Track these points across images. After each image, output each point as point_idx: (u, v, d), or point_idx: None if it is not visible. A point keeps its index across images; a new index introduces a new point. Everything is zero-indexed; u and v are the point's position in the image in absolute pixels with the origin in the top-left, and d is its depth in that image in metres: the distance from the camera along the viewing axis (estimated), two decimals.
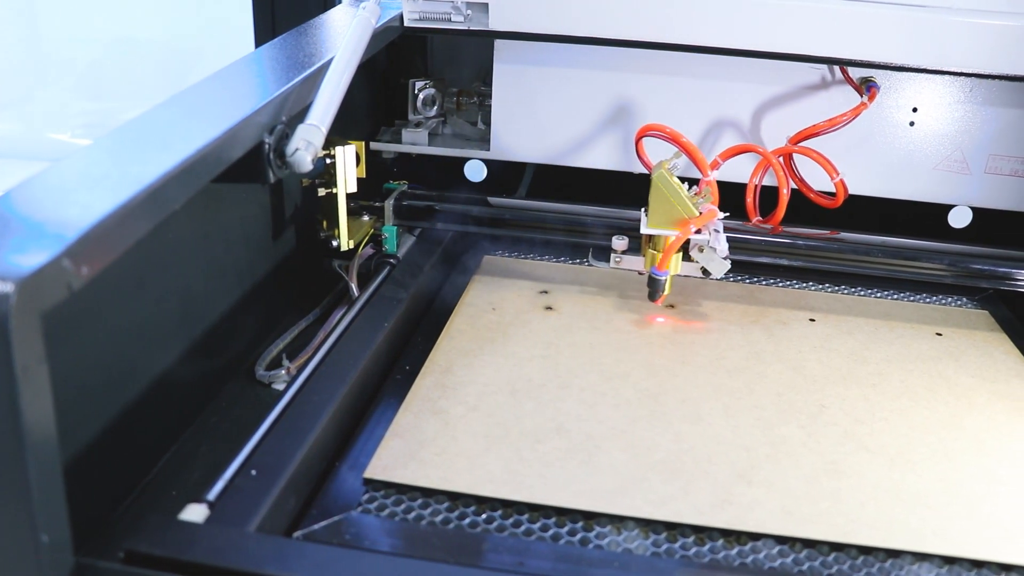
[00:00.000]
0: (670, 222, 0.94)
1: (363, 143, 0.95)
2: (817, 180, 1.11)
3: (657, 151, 1.01)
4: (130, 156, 0.64)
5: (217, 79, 0.84)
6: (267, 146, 0.76)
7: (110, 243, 0.55)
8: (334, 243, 0.95)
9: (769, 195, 1.09)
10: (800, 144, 1.09)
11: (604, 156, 1.17)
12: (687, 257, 0.96)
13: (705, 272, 0.96)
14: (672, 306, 1.01)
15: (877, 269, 1.05)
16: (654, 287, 0.96)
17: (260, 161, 0.76)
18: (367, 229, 1.02)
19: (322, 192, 0.93)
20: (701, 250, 0.95)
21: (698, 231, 0.94)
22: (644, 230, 0.95)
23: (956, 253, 1.04)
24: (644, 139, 1.02)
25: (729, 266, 0.95)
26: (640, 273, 0.99)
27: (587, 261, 1.07)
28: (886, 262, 1.03)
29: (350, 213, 0.96)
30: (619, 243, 0.99)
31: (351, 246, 0.96)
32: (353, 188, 0.92)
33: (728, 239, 0.97)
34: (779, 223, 1.05)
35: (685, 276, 0.99)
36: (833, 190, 1.09)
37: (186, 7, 2.42)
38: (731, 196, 1.04)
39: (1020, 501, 0.72)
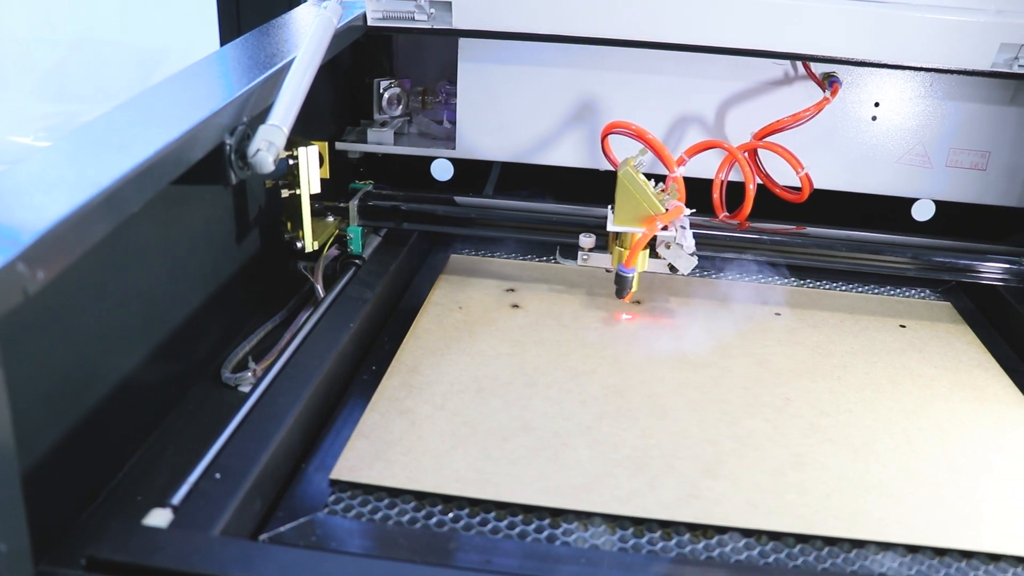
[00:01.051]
0: (636, 219, 0.94)
1: (326, 144, 0.95)
2: (782, 175, 1.11)
3: (623, 148, 1.01)
4: (87, 159, 0.63)
5: (178, 80, 0.83)
6: (228, 147, 0.76)
7: (66, 247, 0.54)
8: (298, 244, 0.94)
9: (735, 191, 1.10)
10: (764, 139, 1.09)
11: (570, 153, 1.17)
12: (654, 254, 0.97)
13: (672, 269, 0.96)
14: (639, 302, 1.02)
15: (841, 263, 1.05)
16: (621, 284, 0.96)
17: (221, 162, 0.76)
18: (332, 230, 1.02)
19: (285, 193, 0.92)
20: (668, 247, 0.95)
21: (665, 228, 0.94)
22: (611, 227, 0.95)
23: (919, 246, 1.04)
24: (610, 136, 1.02)
25: (696, 262, 0.96)
26: (607, 270, 0.99)
27: (554, 259, 1.07)
28: (850, 256, 1.04)
29: (314, 214, 0.95)
30: (586, 241, 0.99)
31: (316, 247, 0.96)
32: (317, 189, 0.91)
33: (694, 235, 0.97)
34: (746, 219, 1.06)
35: (652, 273, 0.99)
36: (798, 184, 1.09)
37: (150, 6, 2.40)
38: (697, 192, 1.05)
39: (981, 489, 0.73)
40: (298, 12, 1.18)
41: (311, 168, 0.90)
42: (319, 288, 0.96)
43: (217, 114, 0.74)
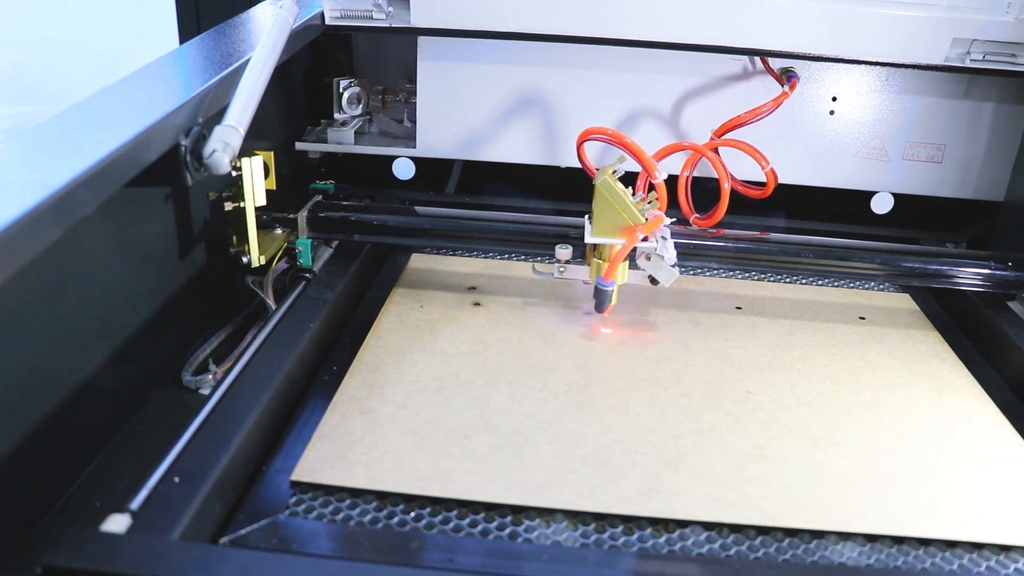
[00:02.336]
0: (615, 230, 0.91)
1: (271, 154, 0.92)
2: (742, 171, 1.12)
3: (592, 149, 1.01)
4: (38, 161, 0.63)
5: (132, 80, 0.82)
6: (184, 148, 0.75)
7: (16, 250, 0.53)
8: (244, 259, 0.90)
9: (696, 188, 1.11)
10: (724, 135, 1.10)
11: (530, 151, 1.18)
12: (634, 265, 0.93)
13: (653, 280, 0.93)
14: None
15: (808, 269, 1.03)
16: (601, 298, 0.94)
17: (177, 164, 0.75)
18: (280, 243, 0.97)
19: (229, 206, 0.88)
20: (648, 258, 0.92)
21: (645, 238, 0.91)
22: (589, 239, 0.92)
23: (885, 251, 1.02)
24: (586, 143, 0.97)
25: (678, 274, 0.93)
26: (585, 283, 0.96)
27: (515, 256, 1.07)
28: (817, 262, 1.01)
29: (262, 226, 0.92)
30: (563, 252, 0.95)
31: (262, 262, 0.92)
32: (262, 201, 0.88)
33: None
34: (718, 222, 1.06)
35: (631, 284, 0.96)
36: (762, 179, 1.10)
37: (110, 8, 2.37)
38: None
39: (938, 478, 0.74)
40: (256, 11, 1.18)
41: (255, 179, 0.86)
42: (270, 303, 0.93)
43: (172, 115, 0.73)
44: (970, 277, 1.00)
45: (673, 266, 0.92)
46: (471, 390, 0.82)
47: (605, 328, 0.95)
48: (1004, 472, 0.76)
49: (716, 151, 1.10)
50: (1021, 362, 0.91)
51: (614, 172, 0.90)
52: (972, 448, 0.79)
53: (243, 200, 0.87)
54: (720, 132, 1.09)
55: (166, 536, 0.59)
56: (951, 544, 0.67)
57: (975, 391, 0.88)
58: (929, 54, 1.06)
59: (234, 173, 0.85)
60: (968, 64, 1.06)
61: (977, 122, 1.15)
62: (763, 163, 1.06)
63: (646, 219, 0.90)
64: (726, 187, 1.04)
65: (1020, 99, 1.13)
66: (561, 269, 0.95)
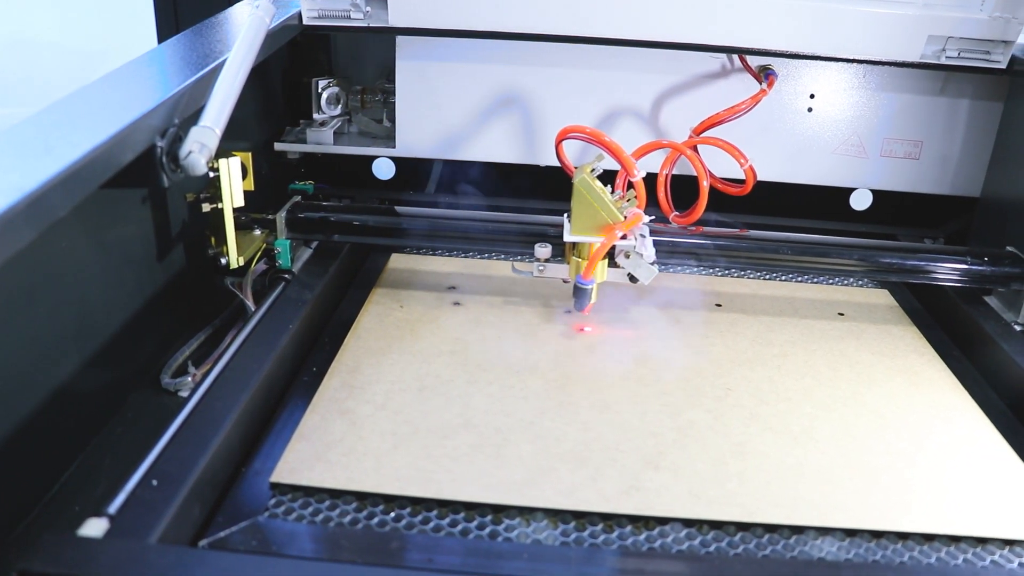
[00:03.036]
0: (594, 228, 0.91)
1: (249, 155, 0.91)
2: (720, 168, 1.12)
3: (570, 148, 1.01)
4: (10, 163, 0.62)
5: (108, 81, 0.82)
6: (160, 149, 0.75)
7: None
8: (223, 261, 0.90)
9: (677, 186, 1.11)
10: (703, 133, 1.10)
11: (510, 150, 1.18)
12: (613, 263, 0.93)
13: (632, 278, 0.93)
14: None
15: (787, 266, 1.03)
16: (580, 297, 0.93)
17: (153, 165, 0.75)
18: (259, 244, 0.96)
19: (207, 208, 0.87)
20: (627, 256, 0.92)
21: (624, 236, 0.91)
22: (568, 237, 0.92)
23: (864, 247, 1.03)
24: (564, 141, 0.97)
25: (657, 272, 0.92)
26: (565, 281, 0.96)
27: (495, 256, 1.06)
28: (795, 259, 1.02)
29: (240, 227, 0.91)
30: (542, 251, 0.95)
31: (241, 263, 0.91)
32: (240, 202, 0.87)
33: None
34: (697, 219, 1.05)
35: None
36: (741, 177, 1.10)
37: (88, 8, 2.35)
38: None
39: (916, 472, 0.75)
40: (235, 10, 1.17)
41: (233, 181, 0.86)
42: (249, 304, 0.93)
43: (147, 116, 0.73)
44: (947, 272, 1.01)
45: (652, 263, 0.92)
46: (451, 390, 0.82)
47: (586, 327, 0.95)
48: (980, 465, 0.76)
49: (695, 149, 1.10)
50: (997, 356, 0.92)
51: (592, 171, 0.90)
52: (949, 442, 0.79)
53: (221, 201, 0.86)
54: (699, 130, 1.10)
55: (144, 540, 0.59)
56: (929, 537, 0.68)
57: (952, 385, 0.89)
58: (905, 51, 1.06)
59: (211, 174, 0.84)
60: (943, 61, 1.07)
61: (953, 118, 1.16)
62: (742, 160, 1.07)
63: (625, 217, 0.90)
64: (705, 185, 1.04)
65: (995, 95, 1.14)
66: (541, 268, 0.95)
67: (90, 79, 0.82)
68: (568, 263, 0.95)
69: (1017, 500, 0.72)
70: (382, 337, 0.91)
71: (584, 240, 0.91)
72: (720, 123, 1.09)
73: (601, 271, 0.93)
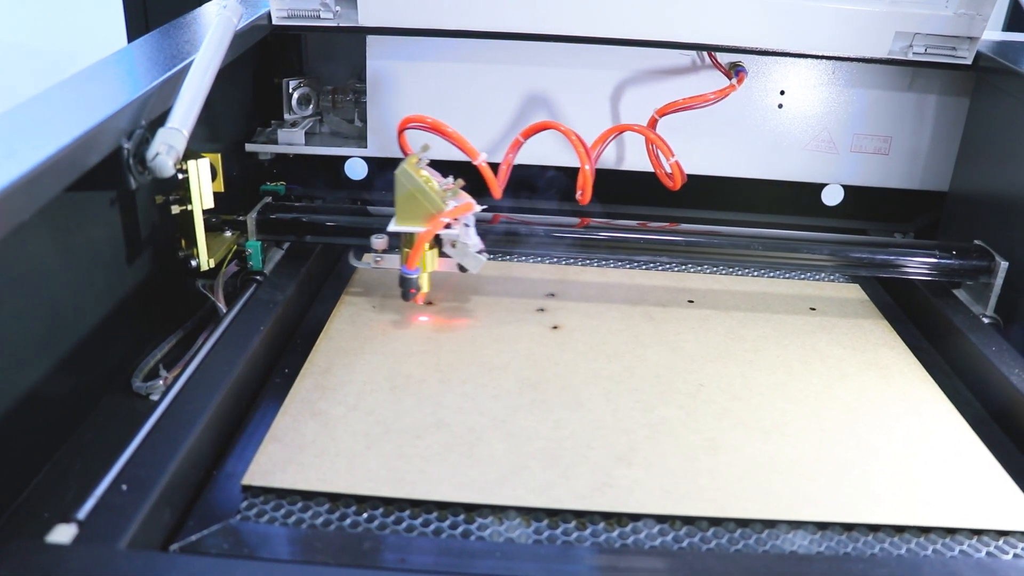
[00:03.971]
0: (420, 218, 0.90)
1: (219, 156, 0.90)
2: (688, 161, 1.12)
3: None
4: None
5: (72, 83, 0.81)
6: (126, 151, 0.74)
7: None
8: (193, 263, 0.89)
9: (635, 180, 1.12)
10: (658, 126, 1.09)
11: (481, 148, 1.17)
12: (445, 254, 0.93)
13: (462, 268, 0.93)
14: (553, 295, 1.02)
15: (759, 261, 1.05)
16: (405, 286, 0.92)
17: (119, 167, 0.74)
18: (229, 245, 0.96)
19: (176, 209, 0.87)
20: (454, 245, 0.91)
21: (448, 225, 0.90)
22: (391, 228, 0.91)
23: (834, 242, 1.03)
24: (407, 131, 0.98)
25: (485, 260, 0.92)
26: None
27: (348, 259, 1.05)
28: (766, 255, 1.02)
29: (210, 229, 0.91)
30: (378, 242, 0.94)
31: (212, 265, 0.91)
32: (210, 204, 0.87)
33: (610, 238, 0.97)
34: (588, 200, 1.02)
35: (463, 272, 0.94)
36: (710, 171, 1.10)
37: (57, 9, 2.33)
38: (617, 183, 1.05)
39: (887, 464, 0.75)
40: (204, 10, 1.16)
41: (203, 182, 0.85)
42: (220, 306, 0.92)
43: (113, 118, 0.72)
44: (917, 266, 1.01)
45: (479, 252, 0.92)
46: (423, 389, 0.82)
47: (556, 323, 0.96)
48: (948, 457, 0.77)
49: (647, 137, 1.09)
50: (966, 348, 0.93)
51: (418, 161, 0.90)
52: (919, 435, 0.80)
53: (190, 203, 0.85)
54: (662, 112, 1.09)
55: (113, 545, 0.58)
56: (899, 529, 0.68)
57: (922, 378, 0.90)
58: (873, 48, 1.07)
59: (180, 176, 0.84)
60: (911, 57, 1.08)
61: (921, 114, 1.17)
62: (668, 155, 1.06)
63: (449, 206, 0.90)
64: (586, 169, 1.01)
65: (962, 91, 1.15)
66: (377, 259, 0.95)
67: (57, 81, 0.81)
68: (400, 254, 0.93)
69: (984, 490, 0.73)
70: (354, 338, 0.90)
71: (407, 230, 0.91)
72: (686, 109, 1.08)
73: (431, 260, 0.93)
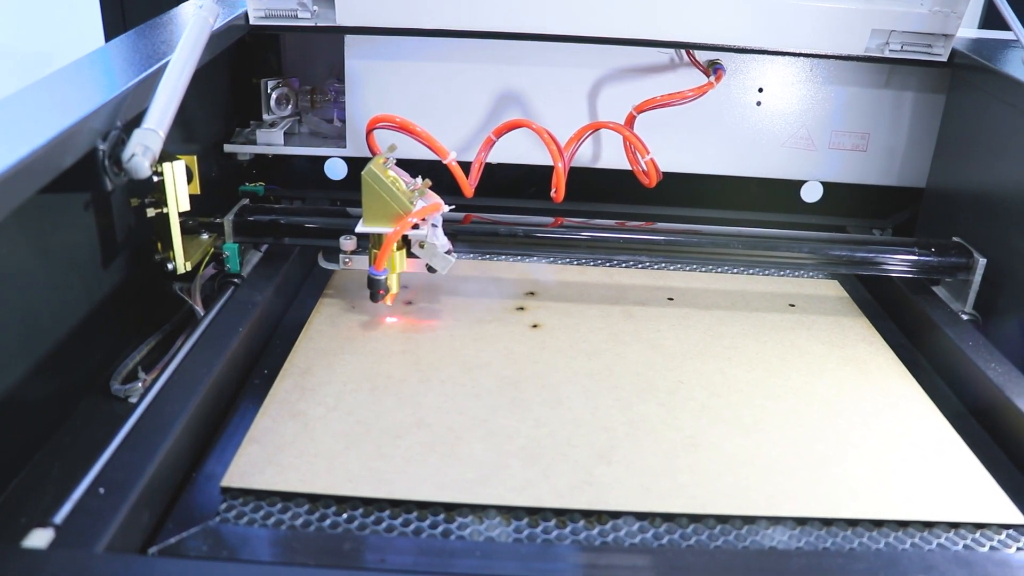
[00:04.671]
0: (388, 219, 0.90)
1: (194, 157, 0.90)
2: (667, 159, 1.13)
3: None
4: None
5: (47, 83, 0.81)
6: (102, 153, 0.74)
7: None
8: (169, 266, 0.88)
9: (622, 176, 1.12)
10: (636, 123, 1.09)
11: (460, 147, 1.17)
12: (413, 254, 0.93)
13: (431, 268, 0.93)
14: (533, 293, 1.02)
15: (739, 260, 1.04)
16: (373, 287, 0.91)
17: (95, 169, 0.73)
18: (206, 248, 0.95)
19: (152, 212, 0.86)
20: (422, 246, 0.91)
21: (415, 227, 0.90)
22: (359, 229, 0.91)
23: (814, 240, 1.04)
24: (376, 130, 0.99)
25: (454, 261, 0.92)
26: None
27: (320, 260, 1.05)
28: (746, 253, 1.02)
29: (187, 232, 0.90)
30: (347, 243, 0.95)
31: (188, 268, 0.90)
32: (186, 207, 0.86)
33: (590, 238, 0.97)
34: (561, 198, 1.03)
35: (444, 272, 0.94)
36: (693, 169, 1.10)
37: (33, 9, 2.32)
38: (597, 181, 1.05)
39: (866, 459, 0.76)
40: (180, 10, 1.16)
41: (178, 185, 0.84)
42: (198, 309, 0.92)
43: (88, 119, 0.72)
44: (896, 263, 1.02)
45: (448, 253, 0.92)
46: (403, 389, 0.82)
47: (536, 322, 0.96)
48: (926, 451, 0.78)
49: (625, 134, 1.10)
50: (944, 343, 0.93)
51: (385, 161, 0.90)
52: (897, 429, 0.81)
53: (166, 206, 0.85)
54: (640, 109, 1.09)
55: (90, 549, 0.58)
56: (877, 523, 0.69)
57: (900, 373, 0.90)
58: (850, 45, 1.08)
59: (156, 179, 0.83)
60: (887, 54, 1.08)
61: (899, 111, 1.18)
62: (643, 153, 1.06)
63: (416, 207, 0.89)
64: (559, 166, 1.02)
65: (938, 88, 1.16)
66: (347, 260, 0.95)
67: (33, 81, 0.80)
68: (369, 255, 0.93)
69: (961, 484, 0.73)
70: (334, 338, 0.90)
71: (374, 231, 0.90)
72: (664, 106, 1.09)
73: (400, 261, 0.93)
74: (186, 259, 0.89)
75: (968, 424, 0.84)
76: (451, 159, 0.95)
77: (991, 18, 1.73)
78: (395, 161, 0.91)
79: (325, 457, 0.71)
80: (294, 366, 0.85)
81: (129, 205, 0.87)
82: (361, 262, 0.94)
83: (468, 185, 0.99)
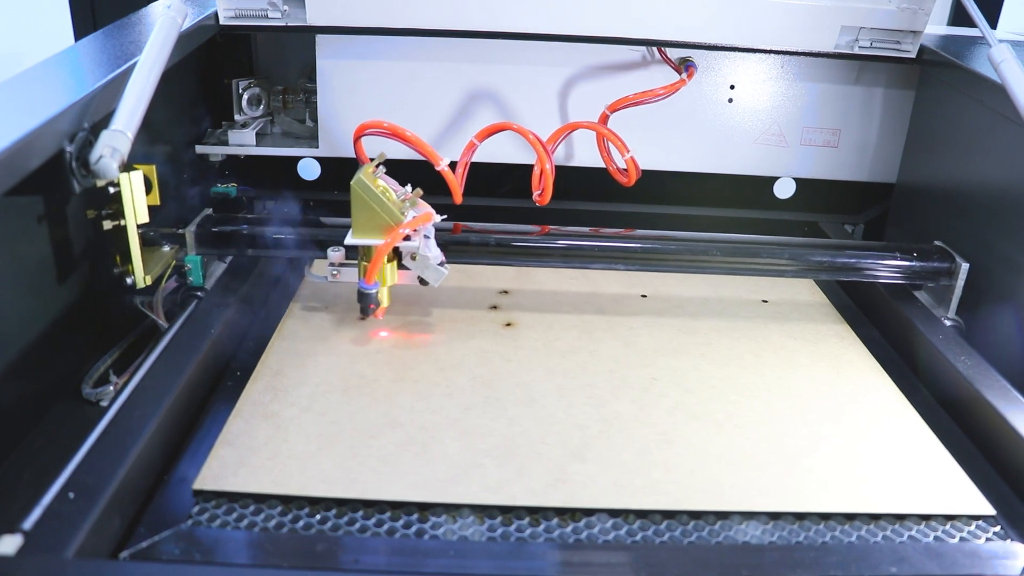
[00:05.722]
0: (377, 230, 0.87)
1: (153, 167, 0.86)
2: (640, 156, 1.13)
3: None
4: None
5: (12, 84, 0.80)
6: (69, 154, 0.73)
7: None
8: (128, 280, 0.86)
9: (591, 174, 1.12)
10: (610, 122, 1.10)
11: (435, 147, 1.17)
12: (404, 266, 0.90)
13: (422, 281, 0.90)
14: (506, 292, 1.02)
15: (718, 268, 1.01)
16: (364, 301, 0.89)
17: (62, 171, 0.73)
18: (168, 260, 0.92)
19: (108, 225, 0.83)
20: (414, 258, 0.89)
21: (407, 237, 0.87)
22: (348, 241, 0.88)
23: (793, 245, 1.03)
24: (364, 137, 0.95)
25: (447, 273, 0.90)
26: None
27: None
28: (725, 261, 1.00)
29: (148, 243, 0.87)
30: (335, 255, 0.91)
31: (148, 282, 0.87)
32: (144, 218, 0.83)
33: (571, 246, 0.96)
34: (547, 200, 1.01)
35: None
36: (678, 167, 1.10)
37: (2, 6, 2.29)
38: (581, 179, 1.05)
39: (838, 453, 0.76)
40: (150, 10, 1.15)
41: (136, 196, 0.81)
42: (161, 323, 0.90)
43: (55, 120, 0.71)
44: (878, 269, 1.00)
45: (440, 264, 0.89)
46: (376, 389, 0.81)
47: (510, 321, 0.96)
48: (897, 444, 0.78)
49: (598, 134, 1.09)
50: (915, 338, 0.94)
51: (375, 170, 0.87)
52: (868, 423, 0.81)
53: (124, 218, 0.82)
54: (613, 108, 1.09)
55: (60, 554, 0.57)
56: (850, 517, 0.69)
57: (872, 367, 0.91)
58: (820, 42, 1.08)
59: (112, 190, 0.81)
60: (857, 51, 1.09)
61: (869, 107, 1.19)
62: (623, 151, 1.07)
63: (407, 217, 0.87)
64: (547, 168, 0.99)
65: (907, 84, 1.17)
66: (335, 272, 0.92)
67: None
68: (358, 267, 0.90)
69: (932, 476, 0.74)
70: (307, 339, 0.90)
71: (364, 243, 0.88)
72: (634, 104, 1.09)
73: (391, 274, 0.90)
74: (146, 272, 0.86)
75: (939, 417, 0.84)
76: (443, 166, 0.91)
77: (960, 15, 1.75)
78: (384, 170, 0.89)
79: (298, 458, 0.71)
80: (267, 367, 0.84)
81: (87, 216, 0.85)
82: (349, 274, 0.92)
83: (459, 191, 0.96)
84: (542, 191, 1.00)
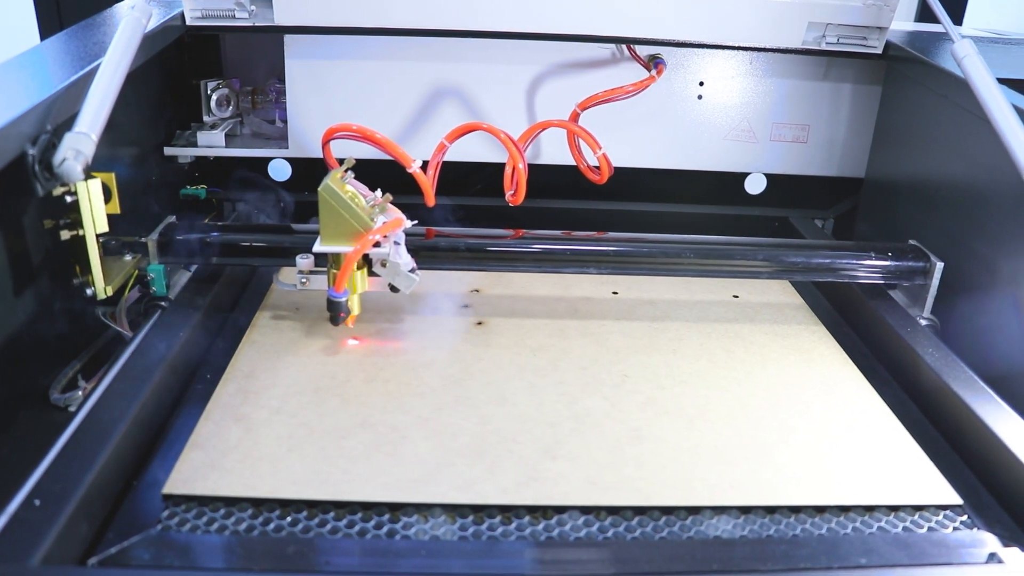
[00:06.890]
0: (347, 237, 0.85)
1: (112, 175, 0.84)
2: (611, 154, 1.13)
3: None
4: None
5: None
6: (31, 157, 0.72)
7: None
8: (88, 291, 0.83)
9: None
10: (580, 120, 1.10)
11: (403, 147, 1.17)
12: (375, 273, 0.88)
13: (393, 288, 0.88)
14: (477, 291, 1.02)
15: (691, 270, 0.99)
16: (334, 310, 0.87)
17: (24, 174, 0.72)
18: (130, 270, 0.89)
19: (66, 235, 0.80)
20: (384, 265, 0.87)
21: (377, 244, 0.85)
22: (317, 248, 0.86)
23: (769, 246, 1.01)
24: (333, 141, 0.92)
25: (418, 280, 0.88)
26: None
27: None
28: (699, 263, 0.98)
29: (109, 253, 0.85)
30: (303, 262, 0.89)
31: (109, 293, 0.84)
32: (104, 228, 0.80)
33: (540, 250, 0.95)
34: (521, 200, 1.00)
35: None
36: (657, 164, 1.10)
37: None
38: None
39: (808, 447, 0.77)
40: (116, 10, 1.14)
41: (95, 204, 0.78)
42: (126, 334, 0.88)
43: (17, 122, 0.70)
44: (853, 269, 1.00)
45: (411, 271, 0.88)
46: (347, 390, 0.81)
47: (481, 319, 0.96)
48: (867, 437, 0.79)
49: (569, 132, 1.09)
50: (884, 332, 0.94)
51: (343, 175, 0.85)
52: (838, 416, 0.82)
53: (82, 228, 0.79)
54: (583, 106, 1.10)
55: (25, 562, 0.56)
56: (820, 509, 0.70)
57: (843, 360, 0.92)
58: (788, 38, 1.09)
59: (69, 199, 0.78)
60: (824, 47, 1.10)
61: (837, 103, 1.20)
62: (595, 148, 1.07)
63: (377, 223, 0.85)
64: (520, 167, 0.98)
65: (874, 80, 1.18)
66: (303, 280, 0.89)
67: None
68: (328, 275, 0.88)
69: (900, 467, 0.75)
70: (278, 341, 0.89)
71: (333, 251, 0.85)
72: (606, 102, 1.09)
73: (361, 281, 0.88)
74: (107, 283, 0.84)
75: (908, 409, 0.85)
76: (415, 168, 0.90)
77: (926, 12, 1.77)
78: (353, 175, 0.87)
79: (269, 461, 0.71)
80: (237, 370, 0.84)
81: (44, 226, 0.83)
82: (318, 282, 0.90)
83: (431, 194, 0.95)
84: (515, 191, 0.99)
